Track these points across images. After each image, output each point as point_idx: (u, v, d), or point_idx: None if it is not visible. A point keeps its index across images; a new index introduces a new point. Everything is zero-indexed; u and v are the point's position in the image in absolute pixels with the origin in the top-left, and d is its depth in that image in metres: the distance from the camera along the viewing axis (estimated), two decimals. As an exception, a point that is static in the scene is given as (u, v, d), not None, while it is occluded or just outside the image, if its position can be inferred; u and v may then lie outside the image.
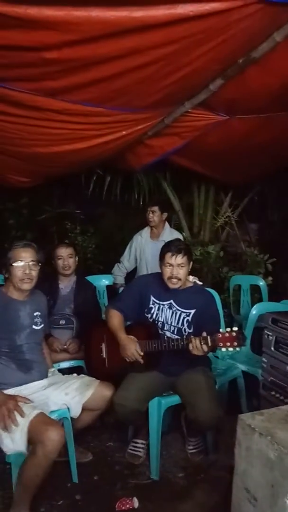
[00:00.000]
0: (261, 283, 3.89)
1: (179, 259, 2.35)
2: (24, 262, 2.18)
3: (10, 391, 2.10)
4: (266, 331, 2.54)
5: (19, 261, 2.18)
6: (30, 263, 2.20)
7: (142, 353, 2.32)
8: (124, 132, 2.86)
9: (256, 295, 4.04)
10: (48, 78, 2.00)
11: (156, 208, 3.69)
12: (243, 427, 1.34)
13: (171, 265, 2.36)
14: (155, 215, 3.69)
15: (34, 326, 2.28)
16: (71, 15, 1.54)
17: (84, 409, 2.24)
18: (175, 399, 2.37)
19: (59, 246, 3.11)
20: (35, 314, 2.30)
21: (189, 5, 1.59)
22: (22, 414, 1.92)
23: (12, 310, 2.22)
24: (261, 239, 5.36)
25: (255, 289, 4.02)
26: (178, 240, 2.64)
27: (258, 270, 4.33)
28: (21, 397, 2.03)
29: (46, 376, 2.28)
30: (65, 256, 3.04)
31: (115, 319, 2.46)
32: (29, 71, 1.94)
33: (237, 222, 4.96)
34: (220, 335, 2.13)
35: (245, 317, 3.72)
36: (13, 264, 2.17)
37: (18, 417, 1.91)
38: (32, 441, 1.87)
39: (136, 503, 2.09)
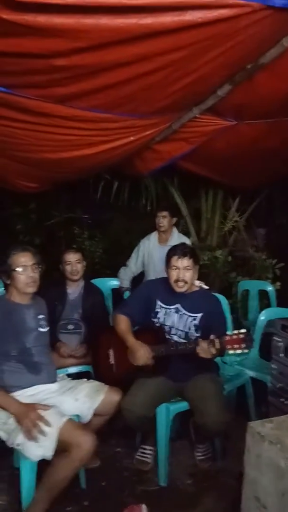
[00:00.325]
0: (269, 289, 3.86)
1: (185, 261, 2.35)
2: (26, 266, 2.19)
3: (20, 393, 2.10)
4: (275, 338, 2.52)
5: (21, 266, 2.18)
6: (32, 266, 2.21)
7: (152, 355, 2.30)
8: (132, 138, 2.87)
9: (264, 301, 4.01)
10: (56, 84, 2.01)
11: (166, 213, 3.70)
12: (252, 435, 1.33)
13: (177, 268, 2.36)
14: (165, 220, 3.69)
15: (40, 329, 2.29)
16: (81, 23, 1.54)
17: (93, 414, 2.24)
18: (183, 405, 2.36)
19: (67, 251, 3.11)
20: (39, 317, 2.31)
21: (197, 11, 1.59)
22: (48, 424, 1.91)
23: (18, 315, 2.23)
24: (269, 244, 5.33)
25: (263, 294, 3.98)
26: (183, 243, 2.64)
27: (266, 275, 4.30)
28: (40, 405, 2.01)
29: (55, 379, 2.28)
30: (73, 262, 3.05)
31: (123, 324, 2.46)
32: (37, 78, 1.95)
33: (244, 227, 4.95)
34: (228, 337, 2.13)
35: (253, 323, 3.69)
36: (16, 269, 2.17)
37: (45, 427, 1.90)
38: (65, 445, 1.88)
39: (144, 510, 2.07)
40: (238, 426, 2.46)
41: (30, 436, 1.88)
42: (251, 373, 2.84)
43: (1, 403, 2.01)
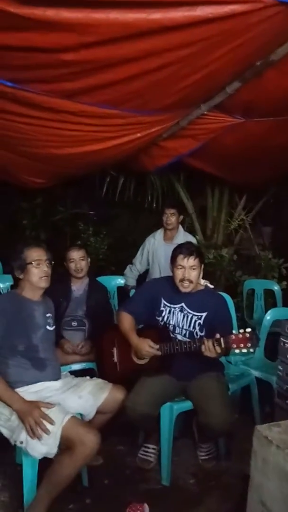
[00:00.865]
0: (275, 288, 3.84)
1: (191, 261, 2.33)
2: (40, 260, 2.20)
3: (25, 389, 2.09)
4: (282, 339, 2.50)
5: (36, 260, 2.19)
6: (46, 261, 2.22)
7: (157, 346, 2.29)
8: (138, 134, 2.86)
9: (270, 300, 3.99)
10: (64, 79, 2.00)
11: (174, 211, 3.68)
12: (259, 439, 1.31)
13: (182, 267, 2.34)
14: (173, 217, 3.67)
15: (47, 327, 2.28)
16: (90, 17, 1.53)
17: (97, 412, 2.23)
18: (187, 405, 2.34)
19: (71, 249, 3.10)
20: (47, 315, 2.30)
21: (208, 7, 1.57)
22: (51, 422, 1.91)
23: (27, 310, 2.22)
24: (274, 242, 5.30)
25: (269, 293, 3.97)
26: (189, 242, 2.62)
27: (272, 274, 4.28)
28: (43, 403, 2.00)
29: (59, 377, 2.27)
30: (77, 259, 3.03)
31: (126, 322, 2.45)
32: (45, 72, 1.94)
33: (250, 225, 4.91)
34: (234, 336, 2.11)
35: (259, 322, 3.68)
36: (32, 262, 2.18)
37: (49, 425, 1.89)
38: (68, 443, 1.88)
39: (147, 509, 2.07)
40: (242, 426, 2.48)
41: (33, 435, 1.88)
42: (256, 373, 2.82)
43: (5, 399, 2.00)
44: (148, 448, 2.51)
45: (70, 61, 1.82)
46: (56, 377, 2.24)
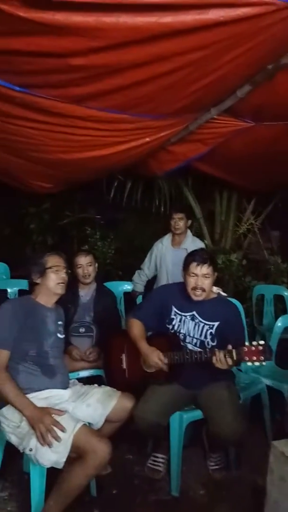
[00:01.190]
0: (285, 294, 3.79)
1: (204, 269, 2.28)
2: (59, 266, 2.25)
3: (34, 395, 2.07)
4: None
5: (55, 266, 2.23)
6: (64, 268, 2.28)
7: (166, 361, 2.25)
8: (147, 139, 2.83)
9: (279, 306, 3.94)
10: (73, 84, 1.99)
11: (182, 215, 3.63)
12: (276, 456, 1.27)
13: (195, 275, 2.29)
14: (181, 222, 3.61)
15: (58, 334, 2.28)
16: (100, 21, 1.51)
17: (105, 421, 2.20)
18: (197, 414, 2.31)
19: (78, 254, 3.07)
20: (59, 322, 2.30)
21: (220, 10, 1.54)
22: (62, 429, 1.89)
23: (40, 316, 2.22)
24: (283, 247, 5.24)
25: (278, 299, 3.91)
26: (203, 249, 2.58)
27: (281, 279, 4.23)
28: (54, 410, 1.99)
29: (68, 386, 2.25)
30: (85, 265, 3.01)
31: (136, 328, 2.42)
32: (54, 77, 1.93)
33: (259, 229, 4.85)
34: (246, 349, 2.06)
35: (268, 328, 3.63)
36: (52, 267, 2.22)
37: (60, 432, 1.87)
38: (79, 452, 1.86)
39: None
40: (252, 435, 2.44)
41: (44, 442, 1.85)
42: (267, 381, 2.77)
43: (17, 404, 1.97)
44: (157, 457, 2.47)
45: (79, 66, 1.80)
46: (65, 385, 2.22)
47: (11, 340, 2.06)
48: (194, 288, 2.29)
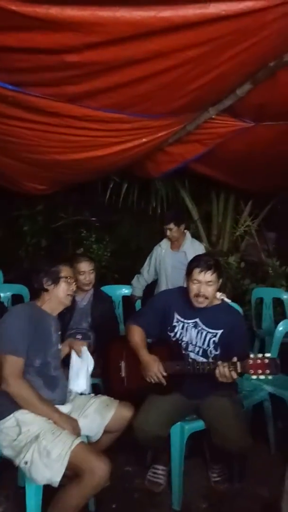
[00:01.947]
0: (284, 297, 3.73)
1: (208, 276, 2.20)
2: (71, 278, 2.26)
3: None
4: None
5: (68, 277, 2.24)
6: (74, 281, 2.30)
7: (165, 374, 2.19)
8: (144, 140, 2.77)
9: (278, 309, 3.89)
10: (68, 83, 1.91)
11: (171, 225, 3.57)
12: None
13: (199, 282, 2.21)
14: (173, 231, 3.58)
15: (58, 345, 2.24)
16: (96, 16, 1.44)
17: (103, 431, 2.15)
18: (199, 425, 2.24)
19: (80, 260, 3.00)
20: (58, 333, 2.26)
21: (221, 3, 1.48)
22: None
23: (46, 324, 2.18)
24: (279, 249, 5.20)
25: (277, 302, 3.86)
26: (208, 255, 2.50)
27: (280, 282, 4.17)
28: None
29: (66, 400, 2.19)
30: (87, 271, 2.96)
31: (137, 335, 2.35)
32: (48, 75, 1.85)
33: (256, 231, 4.81)
34: (251, 361, 1.99)
35: (268, 332, 3.58)
36: (66, 277, 2.22)
37: (58, 447, 1.81)
38: (76, 470, 1.79)
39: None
40: (254, 444, 2.36)
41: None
42: (269, 388, 2.69)
43: (42, 411, 1.95)
44: (158, 469, 2.40)
45: (74, 63, 1.72)
46: (64, 399, 2.16)
47: (26, 348, 2.00)
48: (197, 296, 2.22)
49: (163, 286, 3.56)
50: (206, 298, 2.22)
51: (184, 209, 4.52)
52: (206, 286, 2.20)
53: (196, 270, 2.22)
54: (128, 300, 3.78)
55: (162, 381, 2.19)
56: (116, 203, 4.54)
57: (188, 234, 3.72)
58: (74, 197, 5.06)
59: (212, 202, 4.69)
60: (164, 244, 3.70)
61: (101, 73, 1.83)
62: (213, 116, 2.59)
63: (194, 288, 2.23)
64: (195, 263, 2.26)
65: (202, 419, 2.24)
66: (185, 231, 3.72)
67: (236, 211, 4.72)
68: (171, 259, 3.57)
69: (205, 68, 1.89)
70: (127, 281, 3.93)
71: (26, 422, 1.91)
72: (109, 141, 2.66)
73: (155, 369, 2.19)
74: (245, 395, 2.59)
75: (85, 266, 2.96)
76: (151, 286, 3.83)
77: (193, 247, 3.52)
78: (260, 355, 1.99)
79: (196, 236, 4.44)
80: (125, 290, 3.83)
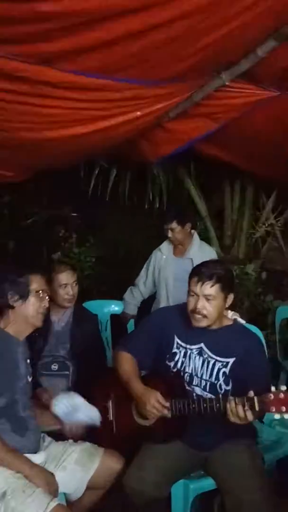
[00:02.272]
0: None
1: (207, 288, 2.19)
2: (44, 292, 2.25)
3: None
4: None
5: (41, 291, 2.23)
6: (47, 296, 2.30)
7: (167, 405, 2.17)
8: (138, 113, 2.80)
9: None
10: (41, 39, 1.90)
11: (174, 225, 3.57)
12: None
13: (195, 294, 2.22)
14: (175, 232, 3.58)
15: (28, 377, 2.24)
16: None
17: (86, 487, 2.18)
18: (207, 484, 2.24)
19: (62, 270, 2.99)
20: (27, 361, 2.27)
21: None
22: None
23: (11, 352, 2.19)
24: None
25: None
26: (215, 262, 2.50)
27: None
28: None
29: (40, 447, 2.21)
30: (70, 284, 2.96)
31: (127, 364, 2.37)
32: (16, 29, 1.82)
33: (281, 232, 4.85)
34: (273, 396, 1.94)
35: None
36: (37, 291, 2.21)
37: (31, 510, 1.83)
38: None
39: None
40: (277, 506, 2.33)
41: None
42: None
43: (8, 462, 1.96)
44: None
45: (48, 13, 1.70)
46: (37, 447, 2.18)
47: None
48: (193, 311, 2.23)
49: (163, 302, 3.59)
50: (204, 316, 2.22)
51: (190, 204, 4.52)
52: (204, 301, 2.21)
53: (193, 280, 2.23)
54: (118, 320, 3.81)
55: (165, 412, 2.18)
56: (102, 195, 4.59)
57: (195, 236, 3.74)
58: (49, 186, 5.12)
59: (224, 194, 4.75)
60: (165, 248, 3.72)
61: (82, 27, 1.82)
62: (227, 83, 2.60)
63: (190, 301, 2.25)
64: (194, 270, 2.29)
65: (211, 476, 2.24)
66: (192, 231, 3.73)
67: (256, 207, 4.76)
68: (174, 267, 3.60)
69: (218, 19, 1.89)
70: (118, 296, 3.95)
71: None
72: (94, 115, 2.69)
73: (152, 400, 2.17)
74: (267, 446, 2.59)
75: (67, 278, 2.96)
76: (148, 302, 3.85)
77: (202, 253, 3.53)
78: (283, 389, 1.95)
79: (204, 238, 4.48)
80: (114, 307, 3.85)
